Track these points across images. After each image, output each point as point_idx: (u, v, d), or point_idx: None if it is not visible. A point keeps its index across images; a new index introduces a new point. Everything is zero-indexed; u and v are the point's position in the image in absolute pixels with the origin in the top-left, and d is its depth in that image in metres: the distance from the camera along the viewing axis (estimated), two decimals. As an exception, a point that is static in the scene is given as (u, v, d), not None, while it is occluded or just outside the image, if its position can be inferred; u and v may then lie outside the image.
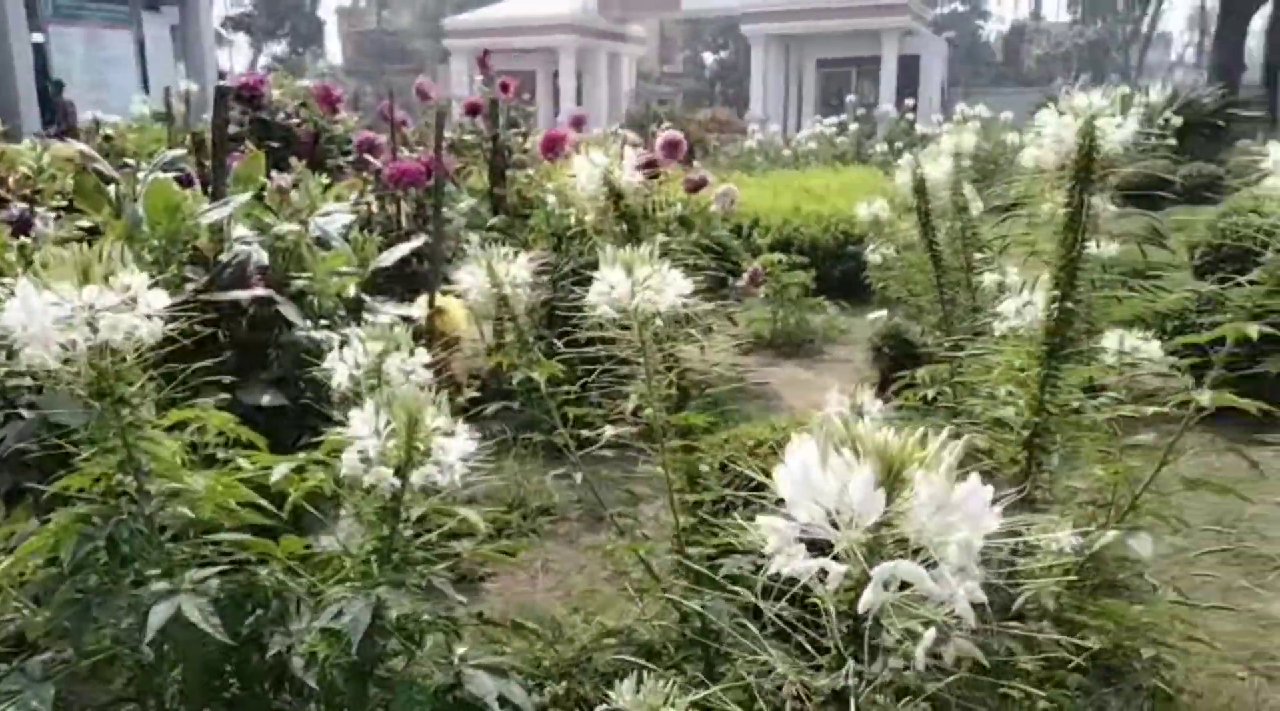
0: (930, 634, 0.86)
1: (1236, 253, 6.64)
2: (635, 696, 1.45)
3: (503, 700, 1.67)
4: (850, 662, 0.86)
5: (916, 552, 0.86)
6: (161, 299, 1.60)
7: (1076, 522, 2.08)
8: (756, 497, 0.99)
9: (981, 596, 0.85)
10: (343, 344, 2.18)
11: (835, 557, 0.86)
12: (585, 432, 2.23)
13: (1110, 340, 2.88)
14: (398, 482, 1.63)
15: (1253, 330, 1.75)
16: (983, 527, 0.85)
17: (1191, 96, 14.83)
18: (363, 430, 1.65)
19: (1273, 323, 1.75)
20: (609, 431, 2.01)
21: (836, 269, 8.03)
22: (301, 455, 2.00)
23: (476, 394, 4.28)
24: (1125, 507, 2.00)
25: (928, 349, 5.23)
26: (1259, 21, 23.24)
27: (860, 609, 0.83)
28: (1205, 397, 1.78)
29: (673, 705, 1.47)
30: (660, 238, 5.47)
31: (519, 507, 4.17)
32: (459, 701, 1.64)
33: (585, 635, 2.60)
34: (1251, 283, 1.81)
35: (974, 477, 0.86)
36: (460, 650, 1.68)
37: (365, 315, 3.09)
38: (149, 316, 1.58)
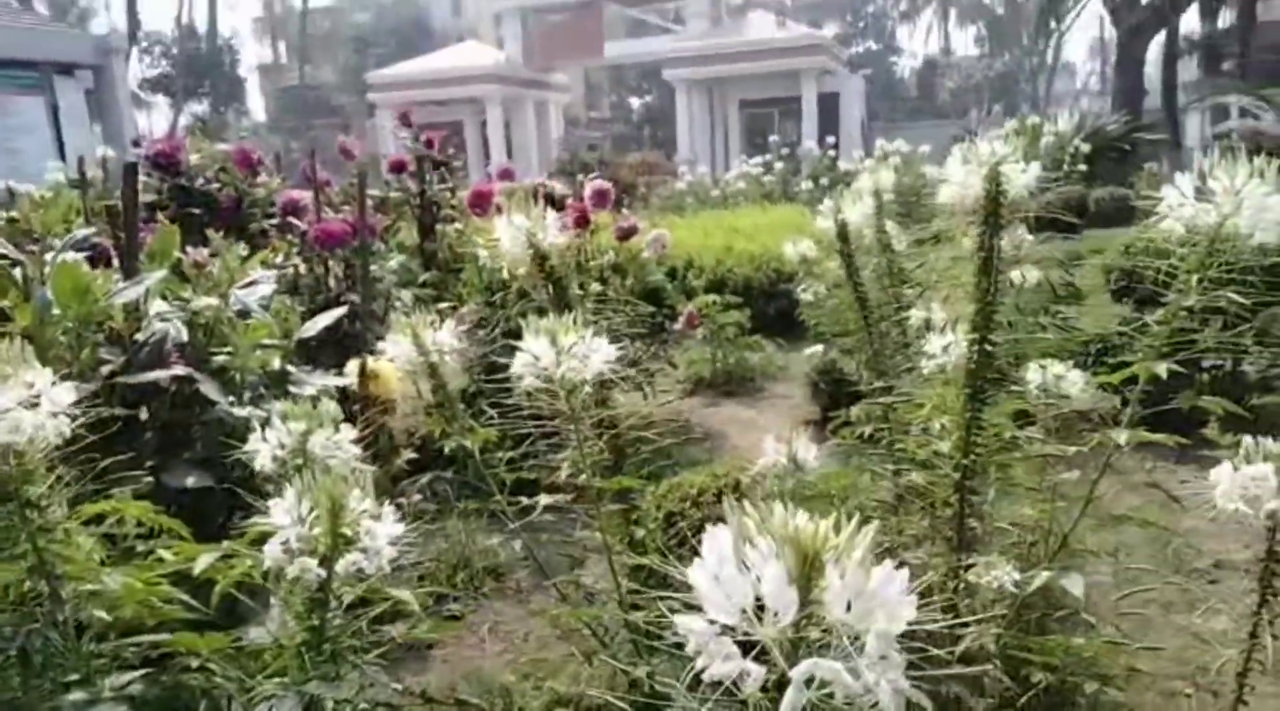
0: None
1: (1154, 288, 6.90)
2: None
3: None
4: None
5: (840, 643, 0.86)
6: (67, 395, 1.55)
7: (1013, 560, 2.11)
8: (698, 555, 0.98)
9: (904, 685, 0.85)
10: (264, 424, 2.13)
11: (760, 655, 0.85)
12: (524, 499, 2.21)
13: (1033, 374, 2.95)
14: (323, 573, 1.58)
15: (1161, 369, 1.81)
16: (900, 616, 0.85)
17: (1098, 123, 15.45)
18: (284, 519, 1.61)
19: (1183, 360, 1.81)
20: (544, 500, 1.99)
21: (771, 306, 8.14)
22: (226, 543, 1.94)
23: (415, 455, 4.22)
24: (1056, 547, 2.03)
25: (862, 385, 5.31)
26: (1155, 49, 24.42)
27: None
28: (1123, 437, 1.83)
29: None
30: (594, 286, 5.51)
31: (464, 569, 4.09)
32: (399, 794, 1.58)
33: (536, 702, 2.55)
34: (1159, 322, 1.87)
35: (887, 565, 0.87)
36: (399, 740, 1.63)
37: (291, 387, 3.03)
38: (54, 414, 1.53)
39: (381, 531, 1.66)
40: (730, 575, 0.86)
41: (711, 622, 0.87)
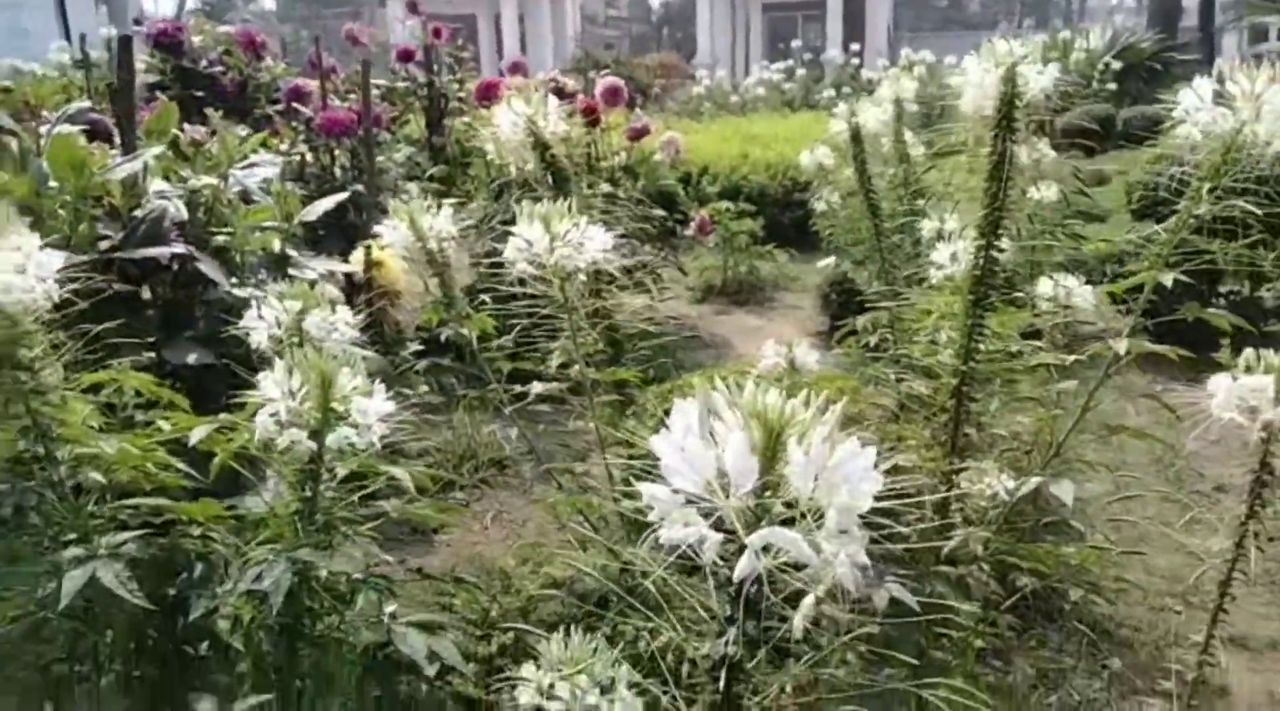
0: (810, 602, 0.85)
1: (1170, 197, 6.75)
2: (563, 653, 1.46)
3: (434, 656, 1.67)
4: (731, 631, 0.85)
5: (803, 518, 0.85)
6: (55, 260, 1.54)
7: (1007, 468, 2.11)
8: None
9: (864, 559, 0.85)
10: (260, 303, 2.12)
11: (720, 526, 0.85)
12: (520, 388, 2.21)
13: (1044, 286, 2.91)
14: (313, 445, 1.60)
15: (1167, 278, 1.77)
16: (863, 491, 0.84)
17: (1130, 40, 14.88)
18: (274, 392, 1.61)
19: (1190, 270, 1.77)
20: (536, 388, 1.99)
21: (785, 216, 8.02)
22: (224, 415, 1.95)
23: (420, 346, 4.23)
24: (1050, 455, 2.03)
25: (871, 296, 5.26)
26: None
27: (735, 577, 0.82)
28: (1122, 346, 1.81)
29: (605, 661, 1.48)
30: (604, 187, 5.42)
31: (469, 460, 4.15)
32: (389, 659, 1.63)
33: (532, 585, 2.61)
34: (1168, 231, 1.82)
35: (852, 441, 0.86)
36: (390, 608, 1.67)
37: (292, 270, 3.01)
38: (43, 279, 1.52)
39: (372, 408, 1.66)
40: (694, 445, 0.85)
41: (675, 492, 0.87)
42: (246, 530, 1.83)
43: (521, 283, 1.87)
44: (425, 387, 4.04)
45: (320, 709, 1.55)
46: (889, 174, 4.14)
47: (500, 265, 2.08)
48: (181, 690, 1.55)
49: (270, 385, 1.66)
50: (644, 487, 0.88)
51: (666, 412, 2.95)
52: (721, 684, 0.89)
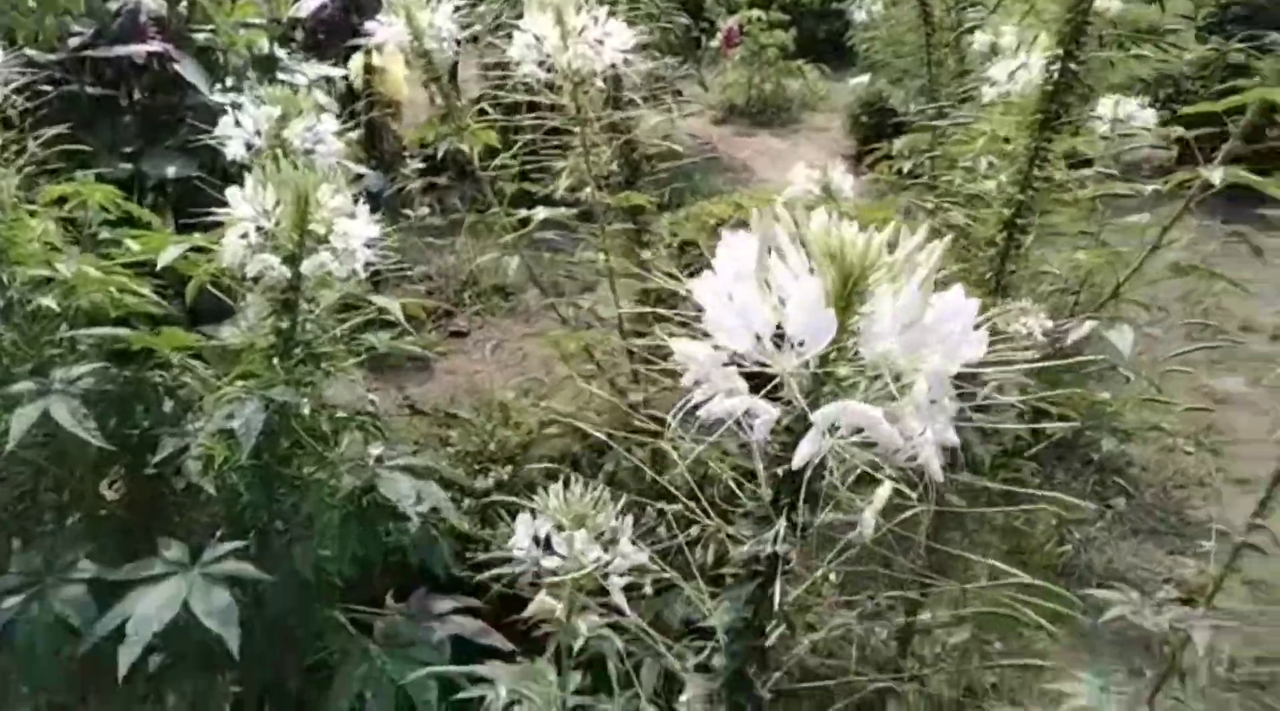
0: (884, 492, 0.69)
1: (1245, 14, 6.16)
2: (562, 506, 1.33)
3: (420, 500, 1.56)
4: (780, 523, 0.69)
5: (870, 384, 0.68)
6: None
7: (1052, 310, 1.92)
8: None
9: (954, 438, 0.68)
10: (236, 108, 1.89)
11: (772, 394, 0.68)
12: (525, 212, 2.00)
13: (1105, 107, 2.61)
14: (287, 272, 1.42)
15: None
16: (961, 355, 0.66)
17: None
18: (244, 210, 1.42)
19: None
20: (540, 214, 1.78)
21: (821, 28, 7.44)
22: (199, 235, 1.76)
23: (423, 165, 3.97)
24: (1106, 295, 1.83)
25: (909, 117, 4.89)
26: None
27: (796, 463, 0.65)
28: (1216, 175, 1.57)
29: (603, 507, 1.36)
30: (625, -10, 4.92)
31: (472, 287, 3.99)
32: (374, 504, 1.52)
33: (532, 419, 2.49)
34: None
35: (956, 289, 0.67)
36: (375, 450, 1.54)
37: (281, 74, 2.74)
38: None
39: (355, 231, 1.47)
40: (748, 293, 0.67)
41: (717, 349, 0.69)
42: (223, 363, 1.68)
43: (529, 90, 1.62)
44: (426, 208, 3.82)
45: (300, 553, 1.45)
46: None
47: (506, 69, 1.83)
48: (151, 532, 1.45)
49: (240, 202, 1.47)
50: (679, 345, 0.71)
51: (683, 244, 2.72)
52: (761, 583, 0.74)
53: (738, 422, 0.69)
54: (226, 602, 1.31)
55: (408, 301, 1.72)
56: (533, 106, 1.91)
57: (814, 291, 0.65)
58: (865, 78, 6.29)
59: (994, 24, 4.02)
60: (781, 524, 0.70)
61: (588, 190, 1.73)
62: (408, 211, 3.85)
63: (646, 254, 1.94)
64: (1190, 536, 2.73)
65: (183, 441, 1.48)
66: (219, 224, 1.62)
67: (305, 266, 1.42)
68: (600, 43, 1.60)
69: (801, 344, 0.65)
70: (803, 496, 0.70)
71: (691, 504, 0.79)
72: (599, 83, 1.66)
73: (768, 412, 0.67)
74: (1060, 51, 1.88)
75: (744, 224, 2.37)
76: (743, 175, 5.59)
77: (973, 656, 2.12)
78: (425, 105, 5.00)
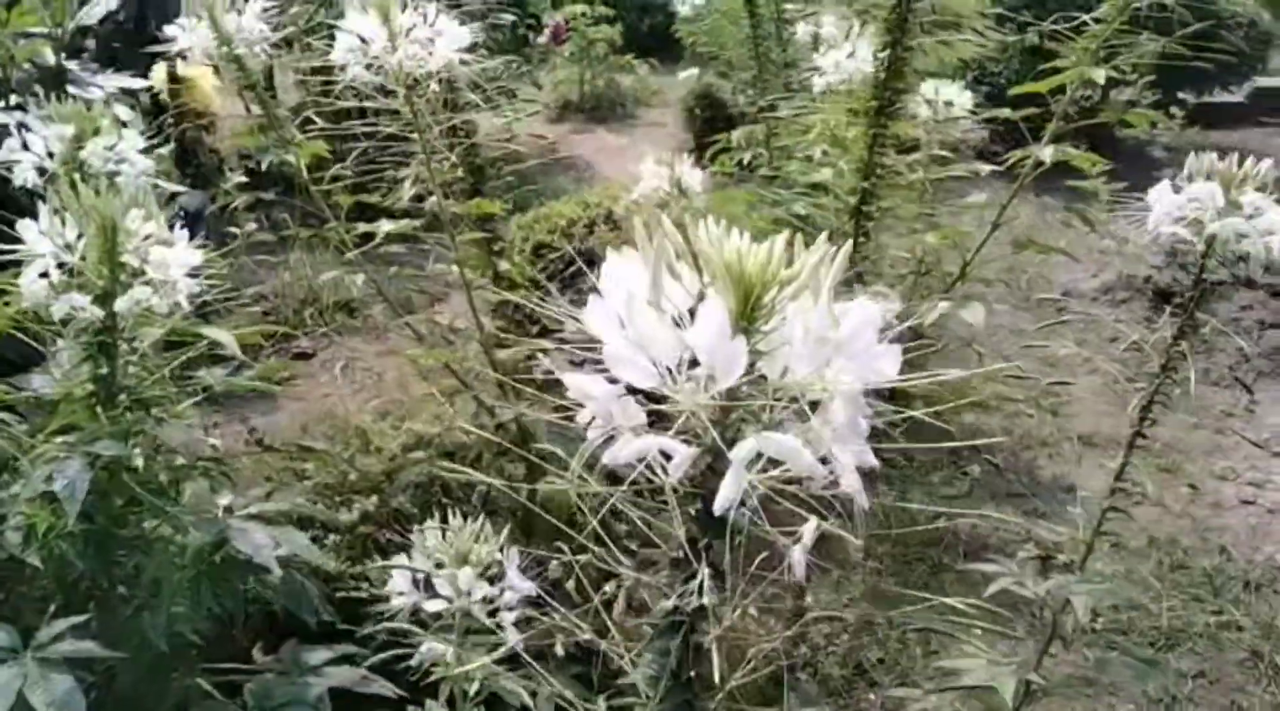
0: (812, 528, 0.65)
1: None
2: (441, 543, 1.24)
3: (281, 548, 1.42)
4: (702, 571, 0.64)
5: (773, 410, 0.63)
6: None
7: (905, 294, 1.97)
8: (572, 288, 0.74)
9: (873, 460, 0.65)
10: (21, 127, 1.69)
11: (669, 426, 0.62)
12: (364, 227, 1.87)
13: (925, 92, 2.70)
14: (100, 312, 1.26)
15: (1099, 74, 1.59)
16: (876, 370, 0.63)
17: None
18: (42, 246, 1.25)
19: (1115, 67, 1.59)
20: (385, 227, 1.67)
21: (645, 22, 7.51)
22: (-6, 275, 1.56)
23: (245, 179, 3.72)
24: (955, 275, 1.89)
25: (741, 109, 4.97)
26: None
27: (718, 508, 0.60)
28: (1047, 153, 1.64)
29: (486, 542, 1.28)
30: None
31: (312, 305, 3.77)
32: (228, 559, 1.37)
33: (394, 443, 2.36)
34: (1096, 20, 1.62)
35: (862, 301, 0.63)
36: (224, 499, 1.40)
37: (72, 89, 2.48)
38: None
39: (175, 259, 1.32)
40: (646, 322, 0.61)
41: (613, 383, 0.63)
42: (38, 416, 1.49)
43: (358, 96, 1.51)
44: (254, 225, 3.58)
45: (150, 621, 1.30)
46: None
47: (329, 73, 1.70)
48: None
49: (35, 235, 1.30)
50: (573, 380, 0.64)
51: (536, 247, 2.65)
52: (680, 639, 0.68)
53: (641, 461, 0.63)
54: (69, 688, 1.15)
55: (243, 330, 1.57)
56: (363, 112, 1.80)
57: (719, 316, 0.60)
58: (694, 71, 6.38)
59: (814, 16, 4.13)
60: (704, 573, 0.64)
61: (432, 199, 1.64)
62: (233, 229, 3.60)
63: (504, 264, 1.86)
64: (1041, 496, 2.89)
65: (-2, 509, 1.30)
66: (15, 262, 1.44)
67: (120, 304, 1.26)
68: (431, 41, 1.51)
69: (711, 376, 0.60)
70: (725, 539, 0.65)
71: (587, 541, 0.73)
72: (434, 84, 1.56)
73: (683, 452, 0.62)
74: (889, 39, 1.92)
75: (593, 226, 2.32)
76: (585, 173, 5.55)
77: (861, 636, 2.16)
78: (240, 116, 4.70)
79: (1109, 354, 4.32)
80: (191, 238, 1.37)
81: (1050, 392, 3.53)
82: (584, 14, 6.43)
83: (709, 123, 5.67)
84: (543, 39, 6.11)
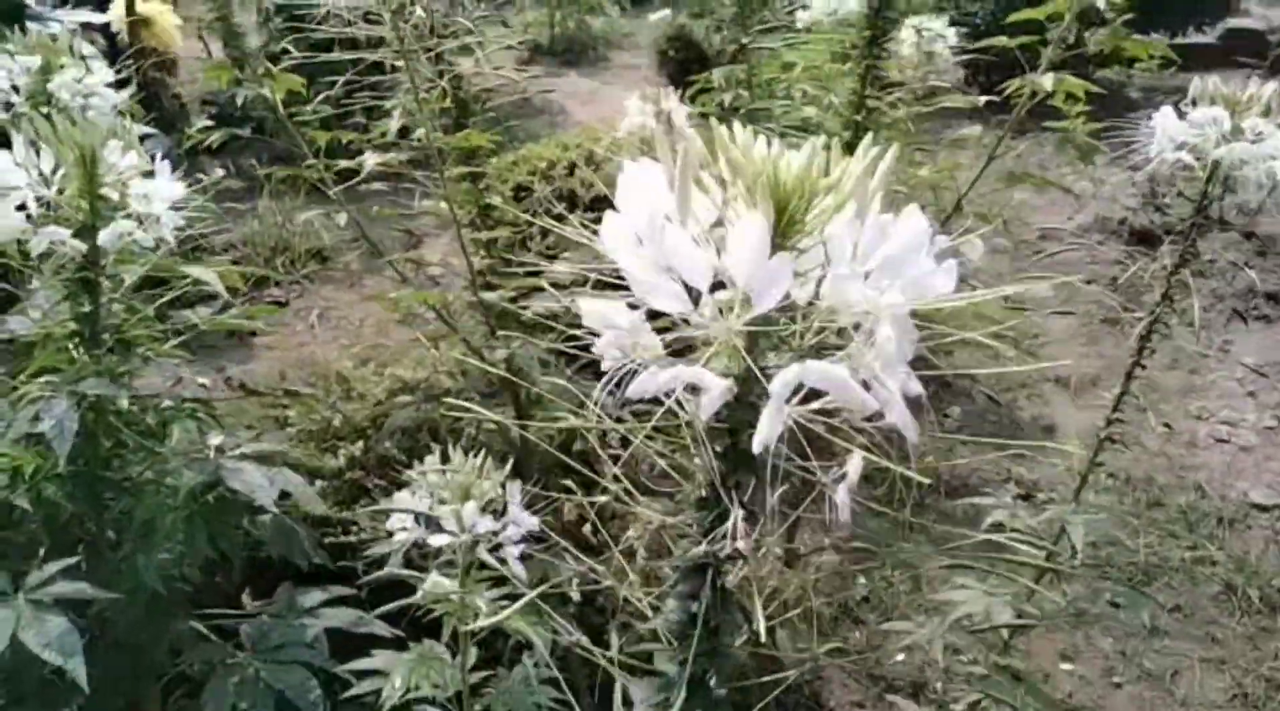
0: (856, 462, 0.61)
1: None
2: (442, 479, 1.22)
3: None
4: (735, 514, 0.60)
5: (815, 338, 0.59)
6: None
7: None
8: (557, 229, 0.70)
9: (918, 388, 0.61)
10: (-16, 60, 1.61)
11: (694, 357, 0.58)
12: (345, 163, 1.81)
13: (906, 31, 2.65)
14: (83, 246, 1.21)
15: (1100, 1, 1.56)
16: (930, 288, 0.59)
17: None
18: (17, 178, 1.19)
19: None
20: (371, 160, 1.61)
21: (614, -37, 7.32)
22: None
23: (210, 123, 3.61)
24: (950, 209, 1.87)
25: (717, 49, 4.88)
26: None
27: (757, 447, 0.55)
28: (1047, 81, 1.61)
29: (486, 476, 1.26)
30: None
31: (284, 252, 3.68)
32: (222, 500, 1.35)
33: (378, 389, 2.32)
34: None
35: (912, 209, 0.60)
36: (215, 439, 1.36)
37: (32, 24, 2.37)
38: None
39: (158, 191, 1.27)
40: (676, 240, 0.57)
41: (634, 308, 0.59)
42: (16, 358, 1.44)
43: (344, 23, 1.45)
44: (221, 170, 3.48)
45: (143, 563, 1.27)
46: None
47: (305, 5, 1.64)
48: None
49: (9, 167, 1.24)
50: (591, 306, 0.60)
51: (516, 189, 2.58)
52: (710, 584, 0.65)
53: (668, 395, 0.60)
54: (64, 629, 1.12)
55: (225, 270, 1.52)
56: (335, 44, 1.73)
57: (758, 231, 0.55)
58: (667, 12, 6.26)
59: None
60: (737, 514, 0.60)
61: (420, 132, 1.58)
62: (200, 174, 3.50)
63: (496, 198, 1.81)
64: (1020, 436, 2.92)
65: (-23, 454, 1.26)
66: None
67: (103, 237, 1.22)
68: (419, -34, 1.45)
69: (746, 300, 0.56)
70: (757, 477, 0.62)
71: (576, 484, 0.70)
72: (419, 10, 1.50)
73: (717, 386, 0.57)
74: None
75: (574, 168, 2.25)
76: (558, 117, 5.45)
77: (847, 576, 2.19)
78: (201, 58, 4.54)
79: (1085, 295, 4.35)
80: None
81: (1028, 333, 3.57)
82: (554, -47, 6.28)
83: (683, 64, 5.57)
84: (512, -22, 5.96)
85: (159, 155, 1.35)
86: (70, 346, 1.30)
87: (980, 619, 1.51)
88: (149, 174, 1.30)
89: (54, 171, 1.25)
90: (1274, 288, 3.69)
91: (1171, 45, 5.99)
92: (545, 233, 2.37)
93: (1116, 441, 1.43)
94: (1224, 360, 3.43)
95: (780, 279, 0.55)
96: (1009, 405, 3.12)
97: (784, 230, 0.60)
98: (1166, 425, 2.98)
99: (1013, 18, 1.71)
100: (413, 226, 2.43)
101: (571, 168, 2.98)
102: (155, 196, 1.27)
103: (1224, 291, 3.65)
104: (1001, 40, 1.69)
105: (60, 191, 1.25)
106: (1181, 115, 1.36)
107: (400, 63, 1.49)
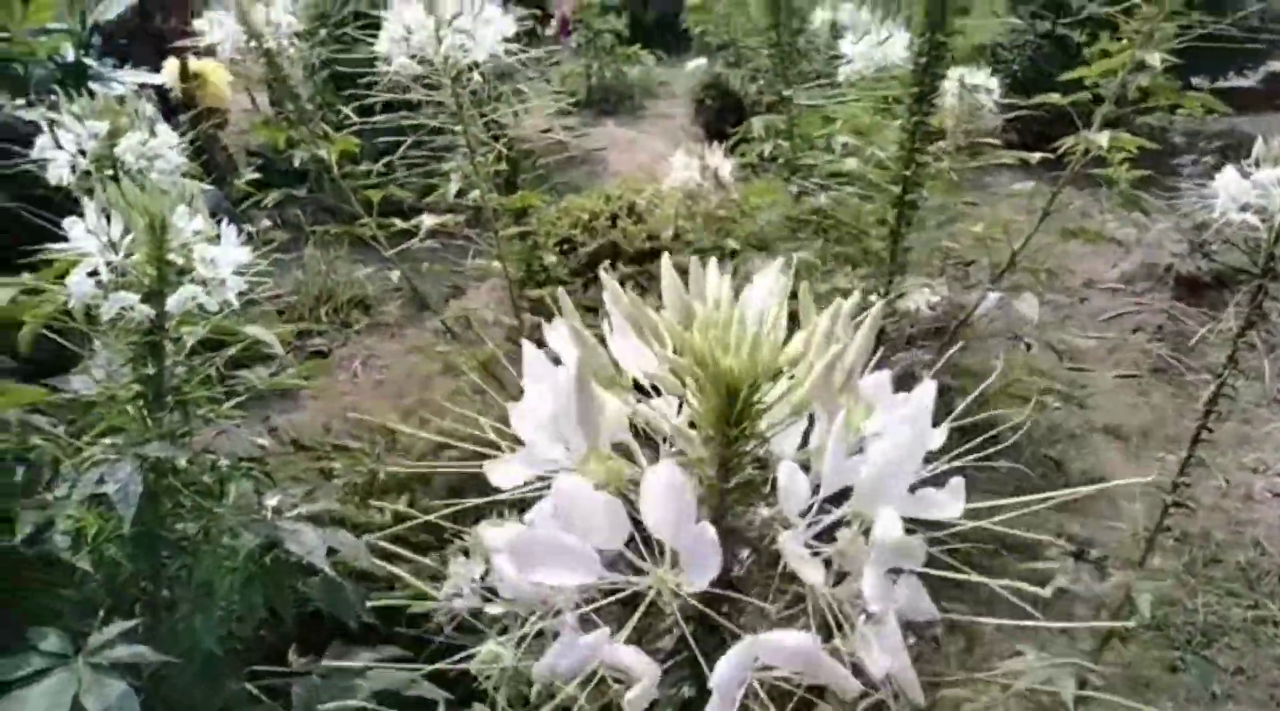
0: None
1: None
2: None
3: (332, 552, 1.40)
4: None
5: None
6: None
7: (950, 282, 1.94)
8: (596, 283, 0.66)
9: (932, 610, 0.54)
10: (53, 124, 1.65)
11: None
12: (400, 223, 1.84)
13: (950, 82, 2.66)
14: (151, 311, 1.23)
15: (1154, 58, 1.55)
16: (928, 509, 0.51)
17: None
18: (89, 244, 1.22)
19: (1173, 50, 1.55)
20: (429, 221, 1.63)
21: (651, 12, 7.45)
22: (26, 276, 1.52)
23: (258, 175, 3.69)
24: (1006, 265, 1.86)
25: (754, 98, 4.91)
26: None
27: None
28: (1103, 138, 1.61)
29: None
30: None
31: (327, 302, 3.74)
32: (277, 561, 1.35)
33: (421, 443, 2.33)
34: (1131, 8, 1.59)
35: (922, 391, 0.51)
36: (272, 501, 1.37)
37: (94, 85, 2.45)
38: None
39: (224, 257, 1.30)
40: (574, 495, 0.47)
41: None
42: (76, 418, 1.46)
43: (400, 88, 1.48)
44: (268, 221, 3.55)
45: (203, 624, 1.27)
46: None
47: (362, 61, 1.67)
48: (13, 622, 1.23)
49: (82, 234, 1.27)
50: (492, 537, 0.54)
51: (560, 241, 2.59)
52: None
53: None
54: (123, 693, 1.12)
55: (281, 330, 1.55)
56: (390, 107, 1.76)
57: (671, 484, 0.43)
58: (702, 61, 6.33)
59: (830, 2, 4.07)
60: None
61: (475, 193, 1.61)
62: (248, 227, 3.57)
63: (549, 257, 1.83)
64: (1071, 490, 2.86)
65: (45, 515, 1.27)
66: (47, 261, 1.41)
67: (171, 303, 1.24)
68: (477, 31, 1.47)
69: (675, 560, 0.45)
70: None
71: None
72: (477, 75, 1.53)
73: (648, 673, 0.46)
74: (929, 23, 1.89)
75: (615, 219, 2.26)
76: (597, 166, 5.51)
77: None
78: (251, 111, 4.66)
79: (1131, 343, 4.27)
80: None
81: (1076, 384, 3.51)
82: (590, 5, 6.38)
83: (719, 113, 5.63)
84: (550, 30, 6.07)
85: (215, 210, 1.38)
86: (133, 408, 1.31)
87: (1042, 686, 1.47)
88: (215, 238, 1.33)
89: (123, 236, 1.27)
90: (1328, 337, 3.61)
91: (1213, 89, 5.99)
92: (588, 285, 2.38)
93: (1182, 505, 1.39)
94: (1278, 411, 3.35)
95: (708, 551, 0.45)
96: (1059, 458, 3.06)
97: (738, 417, 0.50)
98: (1224, 479, 2.91)
99: (1066, 75, 1.70)
100: (454, 280, 2.45)
101: (614, 219, 3.00)
102: (221, 261, 1.29)
103: (1276, 341, 3.58)
104: (1054, 98, 1.69)
105: (129, 256, 1.27)
106: (1246, 174, 1.34)
107: (457, 126, 1.51)
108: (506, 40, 1.50)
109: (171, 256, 1.27)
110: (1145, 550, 1.44)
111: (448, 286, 2.23)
